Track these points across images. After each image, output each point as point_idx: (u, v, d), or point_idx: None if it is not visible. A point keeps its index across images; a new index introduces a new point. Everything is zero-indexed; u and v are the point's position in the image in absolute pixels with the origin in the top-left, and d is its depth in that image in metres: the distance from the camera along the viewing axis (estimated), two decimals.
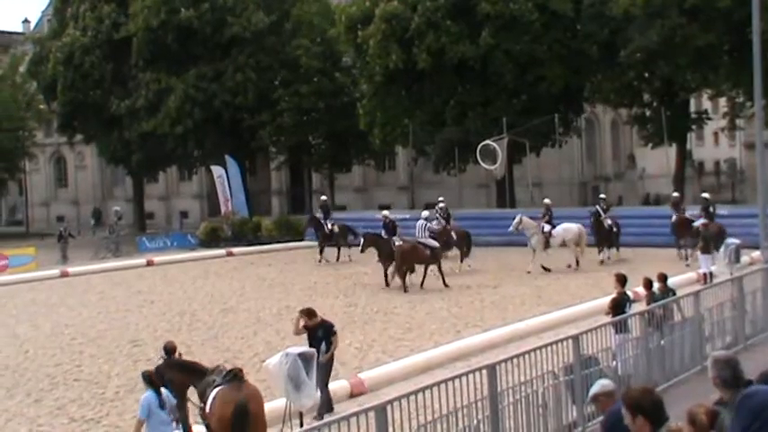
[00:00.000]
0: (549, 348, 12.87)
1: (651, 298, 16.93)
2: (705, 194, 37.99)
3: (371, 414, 9.70)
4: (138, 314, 28.81)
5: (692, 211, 36.35)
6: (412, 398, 10.39)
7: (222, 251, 48.20)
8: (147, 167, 69.18)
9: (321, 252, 40.83)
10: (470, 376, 11.39)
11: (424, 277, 31.36)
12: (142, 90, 61.69)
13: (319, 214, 42.95)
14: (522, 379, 12.24)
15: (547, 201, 37.56)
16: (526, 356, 12.40)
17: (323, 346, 15.47)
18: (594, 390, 8.58)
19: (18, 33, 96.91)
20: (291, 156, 65.49)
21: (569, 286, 29.80)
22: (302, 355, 12.44)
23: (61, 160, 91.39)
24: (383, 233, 33.94)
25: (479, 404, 11.40)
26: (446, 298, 29.01)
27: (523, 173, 53.35)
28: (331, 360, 15.90)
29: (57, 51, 65.10)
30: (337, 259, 40.79)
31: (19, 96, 76.23)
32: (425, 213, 34.99)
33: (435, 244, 32.05)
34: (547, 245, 34.28)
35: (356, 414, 9.72)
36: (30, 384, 19.58)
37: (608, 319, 15.69)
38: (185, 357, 21.30)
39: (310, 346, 15.09)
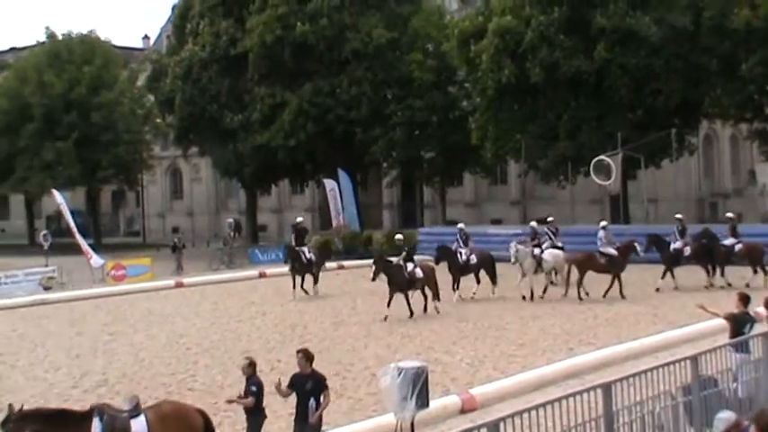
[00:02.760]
0: (666, 368, 12.55)
1: None
2: (729, 214, 37.09)
3: (484, 431, 9.57)
4: (250, 325, 29.10)
5: None
6: (525, 415, 10.23)
7: (333, 264, 48.44)
8: (260, 180, 70.08)
9: (295, 285, 35.75)
10: (585, 395, 11.18)
11: (609, 288, 31.58)
12: (257, 104, 62.55)
13: (293, 242, 37.86)
14: (638, 399, 11.97)
15: (533, 224, 36.48)
16: (642, 376, 12.12)
17: (311, 403, 13.36)
18: (721, 427, 8.38)
19: (138, 49, 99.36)
20: (403, 170, 65.61)
21: (687, 305, 29.05)
22: (414, 370, 12.32)
23: (177, 172, 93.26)
24: (455, 245, 34.24)
25: (593, 423, 11.19)
26: (558, 315, 28.64)
27: (638, 188, 52.49)
28: (320, 421, 13.56)
29: (175, 66, 66.52)
30: (314, 290, 36.27)
31: (137, 111, 78.07)
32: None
33: (613, 252, 32.02)
34: (537, 269, 33.36)
35: (469, 430, 9.60)
36: (145, 393, 19.85)
37: (727, 340, 15.25)
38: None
39: (298, 400, 13.54)
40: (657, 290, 32.66)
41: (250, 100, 63.61)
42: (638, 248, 32.65)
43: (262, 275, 45.04)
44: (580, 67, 47.63)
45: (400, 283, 29.38)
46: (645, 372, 12.24)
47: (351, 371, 21.28)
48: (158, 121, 77.73)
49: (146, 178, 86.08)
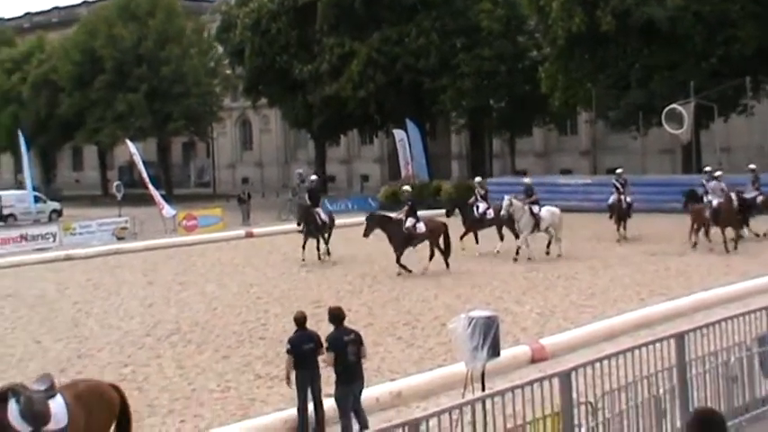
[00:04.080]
0: (740, 319, 12.37)
1: None
2: (752, 166, 35.84)
3: (555, 380, 9.55)
4: (320, 275, 29.26)
5: None
6: (597, 365, 10.19)
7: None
8: (329, 131, 70.16)
9: (305, 247, 32.55)
10: (657, 345, 11.09)
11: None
12: (326, 54, 62.49)
13: (301, 199, 35.16)
14: (711, 349, 11.83)
15: (526, 180, 35.02)
16: (716, 326, 11.97)
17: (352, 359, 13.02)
18: None
19: (208, 1, 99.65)
20: (471, 119, 65.23)
21: (760, 256, 28.71)
22: (487, 319, 12.30)
23: (246, 124, 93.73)
24: (473, 199, 34.16)
25: (665, 374, 11.09)
26: (630, 265, 28.40)
27: (711, 138, 51.63)
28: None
29: (244, 17, 66.69)
30: (326, 255, 32.86)
31: (206, 63, 78.54)
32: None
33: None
34: (535, 228, 30.99)
35: (540, 380, 9.58)
36: (218, 341, 20.14)
37: None
38: (368, 318, 21.64)
39: (296, 361, 13.22)
40: (516, 259, 30.50)
41: (319, 50, 63.57)
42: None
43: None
44: (652, 14, 46.79)
45: (398, 238, 28.64)
46: (719, 322, 12.09)
47: (420, 320, 21.36)
48: (228, 72, 78.14)
49: (216, 130, 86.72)
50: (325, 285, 27.29)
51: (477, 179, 37.08)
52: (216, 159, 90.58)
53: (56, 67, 77.94)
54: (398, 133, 58.40)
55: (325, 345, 13.09)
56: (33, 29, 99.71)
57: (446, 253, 28.86)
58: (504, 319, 17.93)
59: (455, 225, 32.53)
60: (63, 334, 21.78)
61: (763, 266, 25.89)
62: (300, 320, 13.82)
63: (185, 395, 16.20)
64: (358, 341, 13.14)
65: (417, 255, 29.00)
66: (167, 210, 48.42)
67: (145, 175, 50.34)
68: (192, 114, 75.50)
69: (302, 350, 13.39)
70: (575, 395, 9.71)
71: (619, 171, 36.68)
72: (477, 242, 33.11)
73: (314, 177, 38.12)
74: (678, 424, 10.87)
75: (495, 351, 12.32)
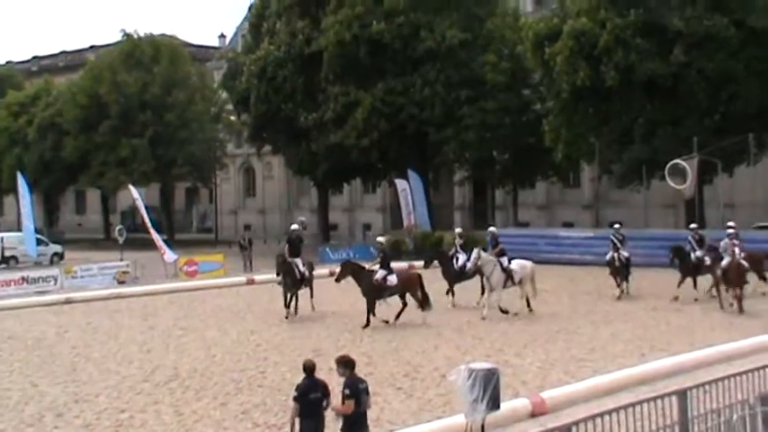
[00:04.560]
0: (743, 376, 12.32)
1: None
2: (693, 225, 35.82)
3: None
4: (320, 324, 29.16)
5: None
6: (597, 420, 10.11)
7: (404, 264, 48.35)
8: (333, 179, 70.36)
9: (288, 303, 30.95)
10: (659, 401, 11.02)
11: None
12: (330, 103, 62.78)
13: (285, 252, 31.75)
14: (714, 407, 11.76)
15: (492, 228, 33.49)
16: (720, 383, 11.91)
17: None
18: None
19: (214, 48, 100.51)
20: (475, 171, 65.42)
21: (762, 313, 28.61)
22: (487, 371, 12.24)
23: (250, 170, 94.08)
24: (453, 250, 33.75)
25: (667, 431, 11.01)
26: (631, 320, 28.32)
27: (714, 193, 51.70)
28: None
29: (251, 65, 67.05)
30: (312, 308, 31.59)
31: (211, 109, 78.97)
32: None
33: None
34: (506, 283, 29.73)
35: None
36: (216, 388, 20.03)
37: None
38: (367, 368, 21.54)
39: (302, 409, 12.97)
40: (484, 318, 29.08)
41: (324, 99, 63.86)
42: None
43: (332, 275, 45.06)
44: (656, 70, 47.04)
45: (369, 289, 28.36)
46: (722, 379, 12.03)
47: (420, 372, 21.25)
48: (232, 119, 78.50)
49: (219, 176, 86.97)
50: (324, 334, 27.17)
51: (458, 230, 36.51)
52: (218, 205, 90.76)
53: (61, 111, 78.38)
54: (401, 183, 58.55)
55: (345, 392, 12.79)
56: (41, 72, 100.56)
57: (423, 305, 28.44)
58: (505, 371, 17.81)
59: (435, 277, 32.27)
60: (61, 378, 21.67)
61: (766, 324, 25.79)
62: (310, 368, 13.65)
63: None
64: (367, 391, 13.04)
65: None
66: (169, 255, 48.43)
67: (147, 219, 50.39)
68: (195, 160, 75.81)
69: (309, 399, 13.25)
70: None
71: (616, 226, 36.35)
72: (452, 295, 32.42)
73: (295, 226, 34.71)
74: None
75: (494, 404, 12.25)
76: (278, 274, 31.41)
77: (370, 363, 22.46)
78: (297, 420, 13.12)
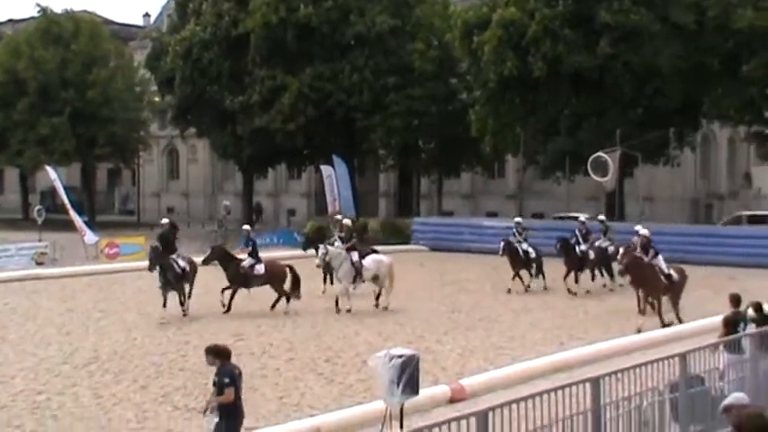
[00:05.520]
0: (654, 365, 12.58)
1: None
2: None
3: (473, 420, 9.59)
4: (242, 307, 28.95)
5: None
6: (514, 406, 10.24)
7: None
8: (258, 164, 69.92)
9: (166, 303, 27.37)
10: (573, 388, 11.19)
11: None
12: (257, 86, 62.41)
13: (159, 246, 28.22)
14: (626, 394, 12.01)
15: (347, 221, 31.80)
16: (631, 371, 12.15)
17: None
18: (729, 401, 8.41)
19: (138, 27, 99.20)
20: (400, 159, 65.61)
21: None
22: (407, 358, 12.34)
23: (174, 153, 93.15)
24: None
25: (581, 417, 11.20)
26: (550, 309, 28.73)
27: (634, 187, 52.49)
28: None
29: (176, 45, 66.28)
30: (184, 309, 27.88)
31: (134, 88, 77.89)
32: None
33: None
34: (356, 278, 28.66)
35: (457, 419, 9.61)
36: (136, 371, 19.91)
37: (714, 339, 15.31)
38: (288, 353, 21.60)
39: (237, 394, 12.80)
40: (339, 311, 28.09)
41: (250, 82, 63.46)
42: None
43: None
44: (583, 62, 47.57)
45: (235, 278, 28.14)
46: (633, 368, 12.27)
47: (341, 357, 21.36)
48: (156, 99, 77.53)
49: (142, 157, 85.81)
50: (247, 319, 27.11)
51: (338, 216, 34.68)
52: (141, 187, 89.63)
53: None
54: (326, 169, 58.41)
55: (225, 380, 12.57)
56: None
57: (292, 294, 28.34)
58: (425, 358, 17.97)
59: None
60: None
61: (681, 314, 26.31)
62: (227, 353, 13.59)
63: (101, 425, 15.99)
64: (241, 377, 13.05)
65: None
66: (89, 236, 47.78)
67: (66, 200, 49.58)
68: (117, 140, 74.62)
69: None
70: None
71: (518, 220, 36.71)
72: (324, 282, 31.54)
73: (165, 221, 31.69)
74: None
75: (413, 389, 12.36)
76: (150, 269, 27.95)
77: (291, 348, 22.53)
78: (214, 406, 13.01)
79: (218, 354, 12.93)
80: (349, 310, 28.00)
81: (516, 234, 34.19)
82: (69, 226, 49.59)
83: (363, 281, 28.92)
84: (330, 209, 57.59)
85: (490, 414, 9.76)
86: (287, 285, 28.57)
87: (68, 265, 42.76)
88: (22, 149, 73.01)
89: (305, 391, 18.22)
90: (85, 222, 50.52)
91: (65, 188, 51.95)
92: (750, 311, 16.36)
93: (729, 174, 71.14)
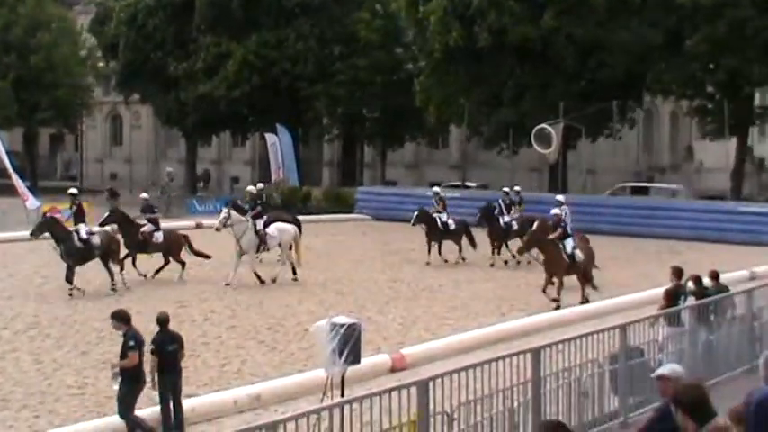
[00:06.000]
0: (595, 336, 12.77)
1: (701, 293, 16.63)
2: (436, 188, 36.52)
3: (413, 389, 9.68)
4: (186, 275, 28.83)
5: None
6: (455, 376, 10.36)
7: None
8: (202, 131, 69.44)
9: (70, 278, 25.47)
10: (514, 359, 11.34)
11: None
12: (201, 53, 61.99)
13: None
14: (566, 365, 12.17)
15: (251, 188, 31.06)
16: (572, 343, 12.32)
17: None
18: (662, 370, 8.48)
19: None
20: (344, 128, 65.48)
21: (618, 277, 29.52)
22: (349, 326, 12.39)
23: (117, 119, 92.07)
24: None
25: (520, 388, 11.36)
26: (493, 279, 28.93)
27: (578, 159, 52.88)
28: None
29: (120, 11, 65.61)
30: (114, 284, 26.25)
31: (78, 53, 76.90)
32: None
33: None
34: (260, 247, 27.97)
35: (398, 388, 9.71)
36: (77, 337, 19.81)
37: (654, 311, 15.54)
38: (230, 320, 21.58)
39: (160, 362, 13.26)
40: (228, 284, 26.88)
41: (195, 49, 62.98)
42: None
43: (198, 226, 44.67)
44: (527, 34, 47.69)
45: (133, 243, 27.83)
46: (574, 339, 12.44)
47: (283, 325, 21.40)
48: (100, 65, 76.70)
49: (85, 123, 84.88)
50: (190, 285, 27.03)
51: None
52: (84, 153, 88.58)
53: None
54: (270, 137, 58.23)
55: (130, 343, 12.98)
56: None
57: (183, 265, 28.29)
58: (367, 327, 18.07)
59: None
60: None
61: (619, 287, 26.65)
62: (163, 321, 13.73)
63: (41, 390, 15.93)
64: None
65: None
66: (31, 201, 47.17)
67: (8, 164, 48.93)
68: (60, 105, 73.74)
69: (167, 351, 13.34)
70: (431, 405, 9.85)
71: (435, 189, 36.08)
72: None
73: (73, 190, 30.02)
74: None
75: (355, 358, 12.44)
76: (34, 235, 26.92)
77: (233, 315, 22.53)
78: (156, 373, 13.19)
79: (122, 318, 13.24)
80: (265, 281, 27.16)
81: (435, 204, 33.49)
82: (11, 191, 48.94)
83: (268, 249, 28.29)
84: (274, 177, 57.48)
85: (431, 384, 9.86)
86: (183, 254, 28.60)
87: (10, 230, 42.17)
88: None
89: (246, 358, 18.25)
90: (28, 187, 49.88)
91: (7, 153, 51.18)
92: (690, 284, 16.59)
93: (672, 147, 71.86)
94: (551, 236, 24.63)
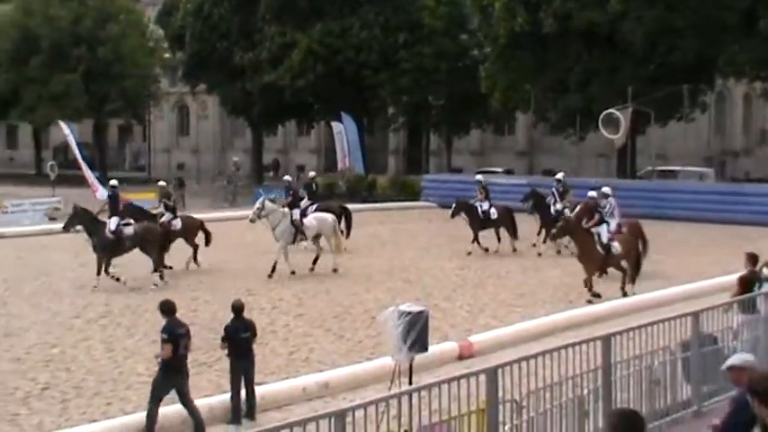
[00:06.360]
0: (666, 324, 12.55)
1: None
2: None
3: (482, 377, 9.61)
4: (250, 264, 28.99)
5: None
6: (524, 364, 10.26)
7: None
8: (267, 120, 69.93)
9: (100, 270, 25.19)
10: (584, 346, 11.19)
11: None
12: (267, 43, 62.36)
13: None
14: (637, 353, 12.00)
15: (287, 177, 31.27)
16: (642, 330, 12.13)
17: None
18: (732, 361, 8.29)
19: None
20: (410, 116, 65.41)
21: (690, 263, 29.09)
22: (416, 314, 12.34)
23: (184, 109, 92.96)
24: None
25: (590, 375, 11.21)
26: (560, 266, 28.63)
27: (647, 144, 52.22)
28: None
29: (187, 2, 66.25)
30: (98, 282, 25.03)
31: (145, 44, 77.80)
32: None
33: None
34: (297, 237, 27.41)
35: (466, 376, 9.64)
36: (147, 325, 19.98)
37: (728, 298, 15.24)
38: (298, 309, 21.66)
39: (232, 349, 13.71)
40: (270, 276, 26.47)
41: (260, 39, 63.35)
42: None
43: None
44: (594, 18, 47.13)
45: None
46: (645, 326, 12.23)
47: (351, 313, 21.43)
48: (166, 56, 77.54)
49: (153, 113, 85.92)
50: (251, 274, 27.06)
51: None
52: (152, 143, 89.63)
53: None
54: (336, 125, 58.33)
55: (163, 336, 12.99)
56: None
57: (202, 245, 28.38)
58: (434, 315, 18.01)
59: None
60: None
61: (692, 274, 26.25)
62: (238, 309, 13.85)
63: (113, 378, 16.14)
64: (188, 335, 13.29)
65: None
66: (101, 192, 47.74)
67: (79, 156, 49.66)
68: (129, 96, 74.74)
69: (239, 338, 13.45)
70: (500, 393, 9.77)
71: (478, 178, 35.43)
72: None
73: (114, 182, 29.76)
74: (600, 425, 11.00)
75: (422, 346, 12.38)
76: (66, 229, 27.14)
77: (300, 304, 22.61)
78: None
79: (162, 310, 13.33)
80: (293, 273, 26.72)
81: (479, 193, 32.81)
82: (81, 181, 49.66)
83: (306, 239, 27.78)
84: (340, 165, 57.66)
85: (499, 371, 9.78)
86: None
87: None
88: (35, 106, 73.15)
89: (314, 346, 18.30)
90: (97, 178, 50.56)
91: (77, 143, 51.94)
92: (765, 271, 16.25)
93: (745, 131, 70.68)
94: (586, 224, 23.70)
